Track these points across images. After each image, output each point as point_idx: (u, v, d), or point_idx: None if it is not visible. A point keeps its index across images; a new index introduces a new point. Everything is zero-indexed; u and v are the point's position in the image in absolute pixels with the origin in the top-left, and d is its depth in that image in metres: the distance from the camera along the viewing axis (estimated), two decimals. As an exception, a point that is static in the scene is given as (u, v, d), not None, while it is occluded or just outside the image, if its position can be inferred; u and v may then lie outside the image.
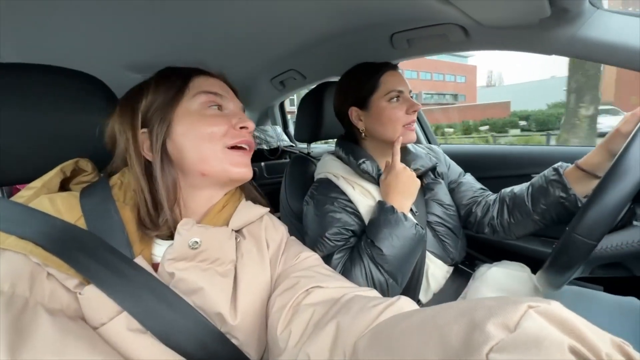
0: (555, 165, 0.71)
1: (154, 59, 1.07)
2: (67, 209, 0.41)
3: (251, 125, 0.50)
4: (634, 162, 0.45)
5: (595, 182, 0.66)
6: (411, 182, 0.73)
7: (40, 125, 0.48)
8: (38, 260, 0.36)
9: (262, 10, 0.81)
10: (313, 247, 0.74)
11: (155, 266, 0.44)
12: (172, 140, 0.47)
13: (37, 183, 0.44)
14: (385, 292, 0.67)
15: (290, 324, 0.41)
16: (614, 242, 0.50)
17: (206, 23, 0.86)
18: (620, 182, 0.44)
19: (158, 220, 0.45)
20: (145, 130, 0.47)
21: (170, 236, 0.45)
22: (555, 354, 0.18)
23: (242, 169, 0.49)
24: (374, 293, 0.45)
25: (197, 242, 0.44)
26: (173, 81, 0.49)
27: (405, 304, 0.38)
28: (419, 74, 29.65)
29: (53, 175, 0.45)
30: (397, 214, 0.69)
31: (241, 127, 0.49)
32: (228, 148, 0.48)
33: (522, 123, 15.80)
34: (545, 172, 0.73)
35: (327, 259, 0.71)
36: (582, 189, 0.67)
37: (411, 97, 0.79)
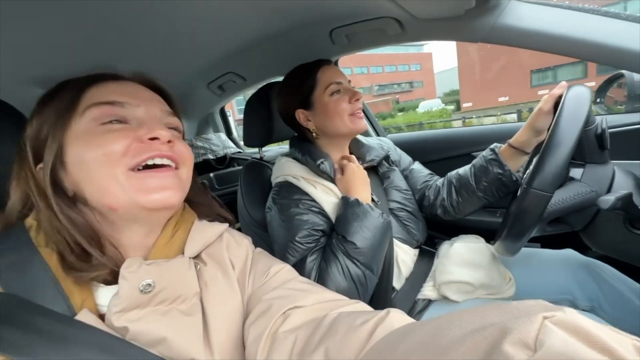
0: (492, 146, 0.79)
1: (65, 71, 0.92)
2: None
3: (164, 134, 0.39)
4: (569, 121, 0.52)
5: (524, 158, 0.75)
6: (365, 174, 0.77)
7: None
8: None
9: (193, 12, 0.74)
10: (284, 253, 0.71)
11: (102, 318, 0.36)
12: (66, 173, 0.38)
13: None
14: (365, 284, 0.68)
15: (270, 355, 0.37)
16: (559, 198, 0.57)
17: (128, 26, 0.76)
18: (562, 140, 0.51)
19: (90, 260, 0.37)
20: (40, 165, 0.38)
21: (115, 278, 0.37)
22: None
23: (157, 195, 0.38)
24: (359, 306, 0.41)
25: (149, 285, 0.37)
26: (60, 98, 0.40)
27: (396, 317, 0.34)
28: (369, 69, 30.85)
29: None
30: (363, 206, 0.70)
31: (151, 139, 0.39)
32: (133, 170, 0.37)
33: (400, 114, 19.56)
34: (484, 152, 0.80)
35: (300, 263, 0.69)
36: (514, 164, 0.75)
37: (352, 87, 0.81)
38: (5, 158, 0.43)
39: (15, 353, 0.29)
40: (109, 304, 0.36)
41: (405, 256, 0.81)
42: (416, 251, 0.85)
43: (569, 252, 0.79)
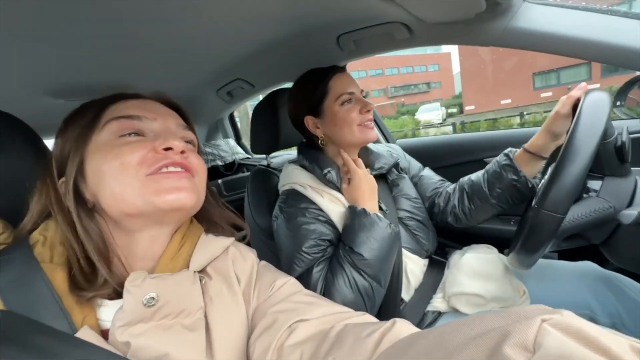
0: (506, 151, 0.76)
1: (77, 80, 0.95)
2: None
3: (177, 144, 0.40)
4: (584, 134, 0.49)
5: (541, 163, 0.71)
6: (373, 183, 0.75)
7: None
8: None
9: (203, 20, 0.75)
10: (290, 263, 0.70)
11: (104, 333, 0.36)
12: (86, 185, 0.40)
13: None
14: (372, 297, 0.66)
15: None
16: (574, 215, 0.54)
17: (138, 36, 0.77)
18: (576, 156, 0.48)
19: (96, 279, 0.37)
20: (63, 179, 0.40)
21: (118, 295, 0.38)
22: None
23: (171, 195, 0.38)
24: (365, 318, 0.41)
25: (153, 298, 0.37)
26: (82, 116, 0.42)
27: (402, 327, 0.34)
28: (384, 71, 30.77)
29: None
30: (370, 216, 0.68)
31: (165, 149, 0.40)
32: (148, 175, 0.39)
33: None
34: (498, 157, 0.77)
35: (307, 274, 0.68)
36: (530, 170, 0.72)
37: (363, 96, 0.80)
38: (13, 171, 0.43)
39: None
40: (113, 318, 0.36)
41: (414, 267, 0.79)
42: (426, 261, 0.83)
43: (588, 265, 0.75)
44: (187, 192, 0.40)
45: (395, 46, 0.92)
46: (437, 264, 0.84)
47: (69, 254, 0.38)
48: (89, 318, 0.36)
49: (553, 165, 0.51)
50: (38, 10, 0.54)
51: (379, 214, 0.70)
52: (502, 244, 0.80)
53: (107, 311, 0.38)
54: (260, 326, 0.41)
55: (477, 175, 0.82)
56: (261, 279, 0.48)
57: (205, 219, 0.52)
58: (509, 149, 0.76)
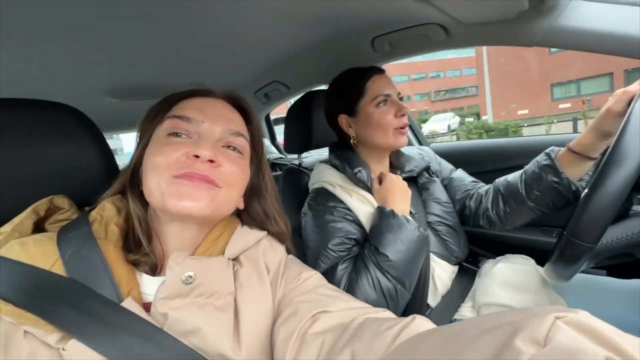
0: (547, 150, 0.70)
1: (133, 82, 1.05)
2: (40, 253, 0.38)
3: (204, 154, 0.42)
4: (633, 142, 0.43)
5: (588, 164, 0.65)
6: (404, 186, 0.75)
7: (9, 163, 0.45)
8: (11, 320, 0.33)
9: (242, 24, 0.80)
10: (316, 259, 0.72)
11: (146, 306, 0.41)
12: (141, 171, 0.46)
13: (6, 227, 0.40)
14: (395, 299, 0.66)
15: (298, 356, 0.38)
16: (617, 235, 0.49)
17: (184, 41, 0.84)
18: (620, 168, 0.43)
19: (140, 249, 0.44)
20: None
21: (158, 271, 0.43)
22: None
23: (183, 203, 0.40)
24: (385, 314, 0.42)
25: (190, 277, 0.41)
26: (157, 107, 0.48)
27: (421, 323, 0.35)
28: (428, 74, 30.06)
29: (24, 217, 0.41)
30: (398, 217, 0.68)
31: (195, 156, 0.42)
32: (174, 177, 0.41)
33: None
34: (538, 157, 0.72)
35: (331, 271, 0.69)
36: (575, 172, 0.66)
37: (400, 99, 0.78)
38: (77, 158, 0.50)
39: (68, 330, 0.33)
40: (156, 290, 0.41)
41: (442, 272, 0.77)
42: (455, 268, 0.80)
43: (636, 283, 0.68)
44: (200, 202, 0.41)
45: (431, 48, 0.91)
46: (467, 272, 0.81)
47: (127, 225, 0.45)
48: (133, 291, 0.40)
49: (584, 193, 0.46)
50: (95, 12, 0.61)
51: (408, 217, 0.69)
52: (541, 257, 0.75)
53: (149, 286, 0.42)
54: (285, 314, 0.44)
55: (514, 176, 0.77)
56: (288, 271, 0.51)
57: (247, 214, 0.54)
58: (551, 147, 0.70)
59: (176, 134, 0.44)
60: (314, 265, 0.72)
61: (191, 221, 0.46)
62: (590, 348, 0.18)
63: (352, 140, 0.81)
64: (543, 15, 0.67)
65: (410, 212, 0.75)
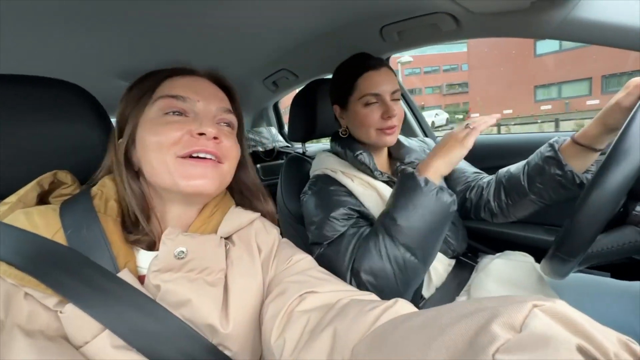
0: (551, 141, 0.67)
1: (143, 65, 1.06)
2: (44, 223, 0.40)
3: (210, 131, 0.44)
4: (634, 146, 0.41)
5: (594, 156, 0.63)
6: (457, 145, 0.62)
7: (15, 138, 0.46)
8: (13, 281, 0.35)
9: (252, 11, 0.80)
10: (321, 230, 0.69)
11: (141, 279, 0.42)
12: (135, 150, 0.46)
13: (12, 198, 0.42)
14: (403, 268, 0.60)
15: (284, 332, 0.40)
16: (612, 243, 0.48)
17: (196, 26, 0.85)
18: (620, 165, 0.42)
19: (138, 228, 0.44)
20: (121, 140, 0.47)
21: (156, 247, 0.44)
22: (563, 353, 0.18)
23: (194, 182, 0.43)
24: (371, 296, 0.43)
25: (183, 252, 0.42)
26: (142, 87, 0.48)
27: (403, 306, 0.37)
28: (441, 68, 29.49)
29: (29, 189, 0.43)
30: (416, 179, 0.60)
31: (199, 134, 0.44)
32: (181, 157, 0.43)
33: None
34: (541, 148, 0.69)
35: (339, 239, 0.67)
36: (580, 164, 0.64)
37: (396, 98, 0.74)
38: (83, 138, 0.51)
39: (66, 294, 0.35)
40: (149, 263, 0.42)
41: (437, 264, 0.77)
42: (451, 261, 0.80)
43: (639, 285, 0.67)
44: (210, 180, 0.44)
45: (441, 38, 0.89)
46: (464, 266, 0.80)
47: (122, 205, 0.45)
48: (130, 264, 0.42)
49: (575, 208, 0.45)
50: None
51: (431, 179, 0.60)
52: (542, 256, 0.74)
53: (145, 260, 0.44)
54: (274, 292, 0.45)
55: (517, 167, 0.75)
56: (280, 253, 0.52)
57: (237, 191, 0.58)
58: (555, 138, 0.67)
59: (173, 113, 0.45)
60: (318, 237, 0.70)
61: (198, 199, 0.48)
62: (564, 335, 0.19)
63: (340, 132, 0.82)
64: (557, 6, 0.65)
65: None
